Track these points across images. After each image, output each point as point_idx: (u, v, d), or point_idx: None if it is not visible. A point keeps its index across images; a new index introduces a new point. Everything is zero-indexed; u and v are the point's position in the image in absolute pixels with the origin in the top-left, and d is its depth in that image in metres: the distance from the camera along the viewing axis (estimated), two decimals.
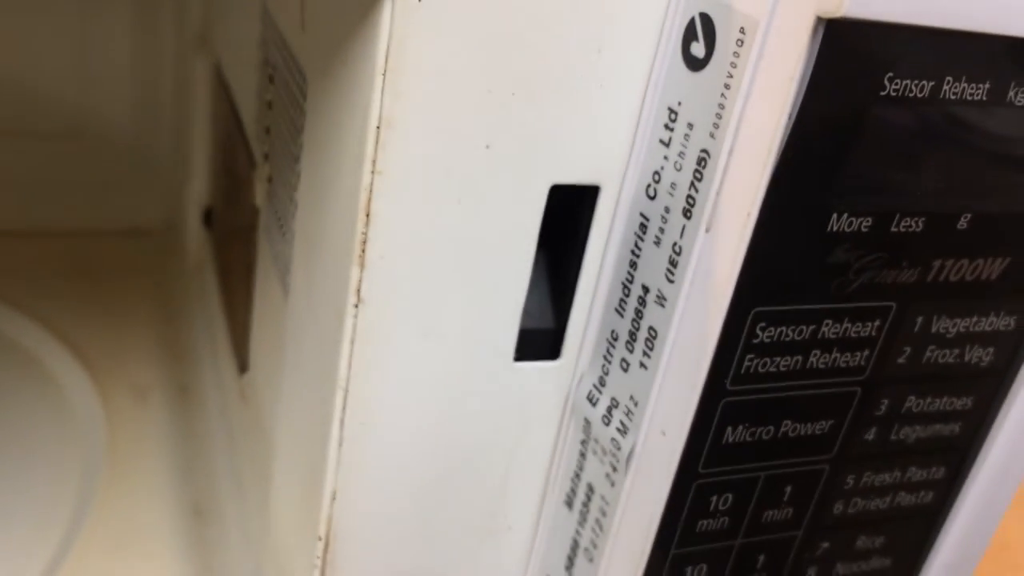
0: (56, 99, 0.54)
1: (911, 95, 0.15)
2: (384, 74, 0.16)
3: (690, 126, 0.16)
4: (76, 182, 0.55)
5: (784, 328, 0.17)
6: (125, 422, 0.42)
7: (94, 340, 0.47)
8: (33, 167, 0.54)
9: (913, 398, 0.19)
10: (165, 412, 0.44)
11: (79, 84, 0.54)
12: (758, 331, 0.17)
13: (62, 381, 0.45)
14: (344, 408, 0.19)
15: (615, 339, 0.19)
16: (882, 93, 0.15)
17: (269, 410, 0.29)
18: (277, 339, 0.28)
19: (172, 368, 0.47)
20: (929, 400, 0.19)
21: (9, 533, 0.36)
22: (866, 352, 0.18)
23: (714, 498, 0.18)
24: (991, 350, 0.19)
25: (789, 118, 0.14)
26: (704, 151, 0.16)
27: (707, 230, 0.16)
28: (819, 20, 0.14)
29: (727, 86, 0.15)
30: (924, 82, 0.15)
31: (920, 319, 0.18)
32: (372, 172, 0.16)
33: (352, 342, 0.18)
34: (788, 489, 0.19)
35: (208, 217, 0.46)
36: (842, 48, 0.14)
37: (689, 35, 0.16)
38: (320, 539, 0.20)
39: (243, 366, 0.35)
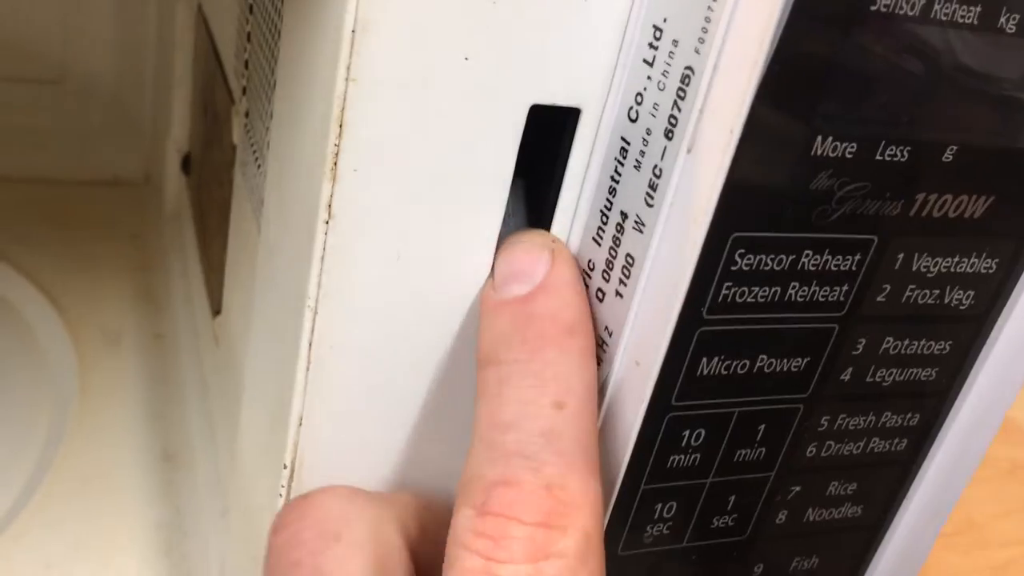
0: (37, 46, 0.53)
1: (901, 12, 0.14)
2: None
3: (675, 43, 0.16)
4: (55, 130, 0.55)
5: (763, 256, 0.16)
6: (97, 367, 0.42)
7: (68, 286, 0.46)
8: (11, 113, 0.53)
9: (891, 339, 0.19)
10: (137, 358, 0.43)
11: (61, 31, 0.53)
12: (737, 258, 0.16)
13: (34, 324, 0.44)
14: (313, 330, 0.18)
15: (591, 269, 0.18)
16: (872, 8, 0.14)
17: (241, 347, 0.29)
18: (250, 275, 0.27)
19: (146, 315, 0.46)
20: (907, 342, 0.19)
21: None
22: (845, 287, 0.18)
23: (687, 433, 0.18)
24: (971, 293, 0.19)
25: (775, 31, 0.14)
26: (688, 68, 0.15)
27: (688, 150, 0.16)
28: None
29: None
30: None
31: (901, 255, 0.18)
32: (346, 79, 0.16)
33: (322, 259, 0.17)
34: (761, 428, 0.19)
35: (186, 163, 0.45)
36: None
37: None
38: (286, 467, 0.20)
39: (217, 308, 0.34)
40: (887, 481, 0.22)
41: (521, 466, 0.16)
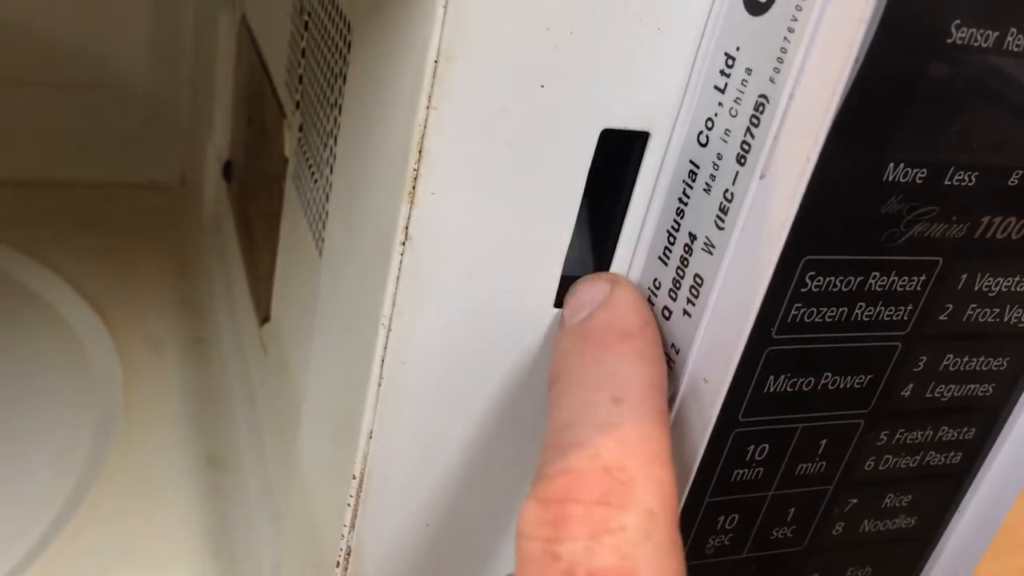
0: (73, 49, 0.54)
1: (976, 44, 0.15)
2: (446, 6, 0.16)
3: (748, 71, 0.16)
4: (92, 134, 0.55)
5: (833, 278, 0.17)
6: (140, 372, 0.43)
7: (110, 291, 0.47)
8: (49, 117, 0.54)
9: (951, 356, 0.19)
10: (180, 363, 0.44)
11: (97, 34, 0.54)
12: (807, 280, 0.17)
13: (79, 331, 0.45)
14: (386, 347, 0.19)
15: (657, 287, 0.19)
16: (948, 40, 0.15)
17: (296, 358, 0.29)
18: (306, 287, 0.28)
19: (187, 320, 0.47)
20: (966, 359, 0.19)
21: (26, 481, 0.36)
22: (909, 307, 0.18)
23: (751, 448, 0.19)
24: None
25: (855, 63, 0.14)
26: (762, 96, 0.16)
27: (762, 176, 0.16)
28: None
29: (791, 30, 0.15)
30: (989, 32, 0.15)
31: (964, 276, 0.18)
32: (427, 107, 0.16)
33: (398, 279, 0.18)
34: (823, 442, 0.19)
35: (227, 170, 0.46)
36: None
37: None
38: (355, 477, 0.20)
39: (265, 317, 0.35)
40: (941, 493, 0.22)
41: (579, 455, 0.16)
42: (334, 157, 0.24)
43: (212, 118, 0.47)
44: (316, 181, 0.27)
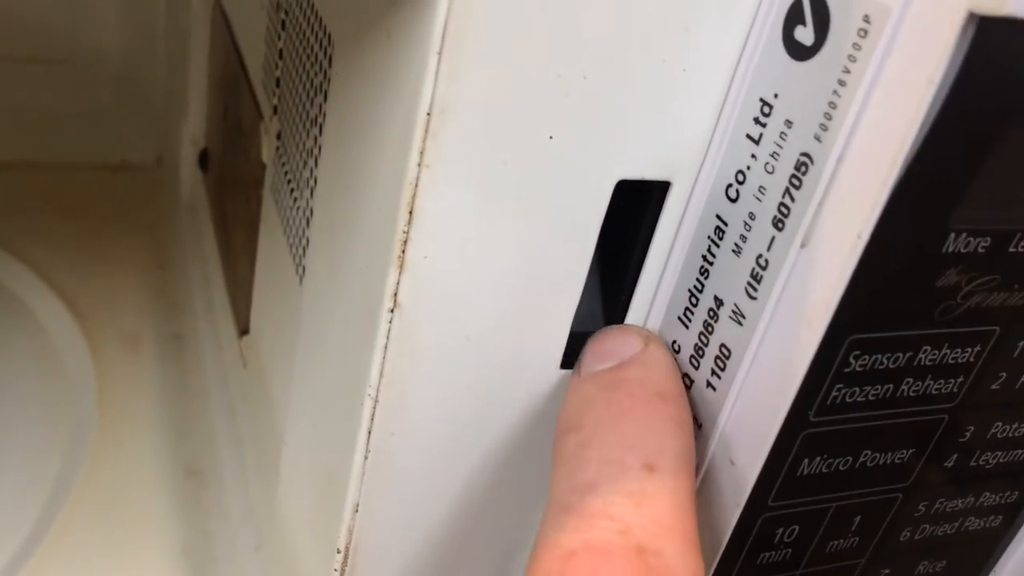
0: (41, 22, 0.51)
1: None
2: (440, 53, 0.13)
3: (788, 123, 0.14)
4: (62, 111, 0.52)
5: (880, 356, 0.15)
6: (115, 374, 0.40)
7: (82, 282, 0.45)
8: (15, 94, 0.51)
9: (1000, 424, 0.17)
10: (157, 363, 0.42)
11: (66, 7, 0.51)
12: (851, 359, 0.15)
13: (49, 327, 0.43)
14: (373, 418, 0.17)
15: (676, 350, 0.17)
16: None
17: (276, 382, 0.27)
18: (285, 309, 0.26)
19: (164, 314, 0.44)
20: (1016, 426, 0.18)
21: None
22: (960, 379, 0.16)
23: (780, 530, 0.17)
24: None
25: (920, 129, 0.12)
26: (805, 155, 0.14)
27: (803, 245, 0.14)
28: (971, 16, 0.12)
29: (842, 82, 0.13)
30: None
31: (1022, 343, 0.16)
32: (419, 165, 0.14)
33: (385, 348, 0.16)
34: (857, 519, 0.18)
35: (203, 159, 0.43)
36: (992, 50, 0.12)
37: (794, 17, 0.14)
38: (339, 552, 0.18)
39: (244, 328, 0.33)
40: (977, 556, 0.20)
41: (606, 528, 0.14)
42: (315, 180, 0.22)
43: (187, 101, 0.44)
44: (296, 200, 0.24)
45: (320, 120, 0.21)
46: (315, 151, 0.22)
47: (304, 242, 0.23)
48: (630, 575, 0.14)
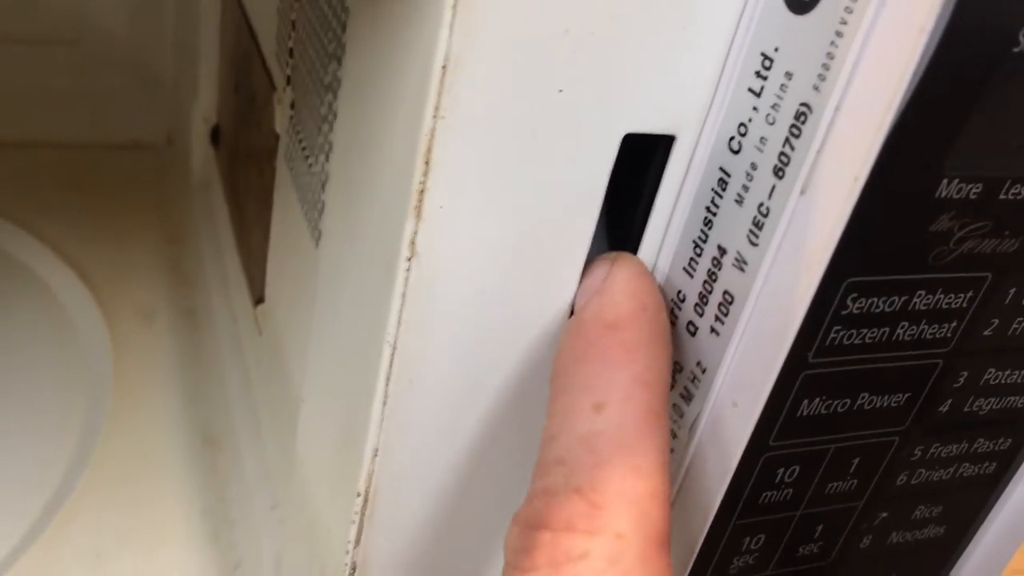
0: (52, 4, 0.52)
1: None
2: (454, 7, 0.14)
3: (788, 75, 0.15)
4: (73, 92, 0.53)
5: (876, 299, 0.16)
6: (131, 347, 0.41)
7: (96, 258, 0.46)
8: (27, 74, 0.52)
9: (993, 370, 0.18)
10: (172, 336, 0.42)
11: None
12: (849, 302, 0.15)
13: (65, 300, 0.43)
14: (391, 365, 0.17)
15: (681, 300, 0.18)
16: (1015, 49, 0.13)
17: (292, 347, 0.28)
18: (300, 275, 0.26)
19: (178, 289, 0.45)
20: (1008, 372, 0.18)
21: (16, 464, 0.35)
22: (954, 324, 0.17)
23: (781, 470, 0.18)
24: None
25: (914, 75, 0.13)
26: (804, 105, 0.14)
27: (802, 192, 0.15)
28: None
29: (839, 34, 0.14)
30: None
31: (1013, 291, 0.17)
32: (434, 117, 0.15)
33: (403, 296, 0.17)
34: (856, 461, 0.18)
35: (215, 135, 0.44)
36: (982, 0, 0.13)
37: None
38: (359, 495, 0.19)
39: (259, 297, 0.33)
40: (972, 502, 0.21)
41: (556, 473, 0.16)
42: (330, 145, 0.23)
43: (197, 79, 0.45)
44: (311, 166, 0.25)
45: (335, 86, 0.22)
46: (330, 117, 0.23)
47: (320, 206, 0.24)
48: (566, 512, 0.15)
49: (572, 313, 0.18)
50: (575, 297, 0.18)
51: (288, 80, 0.28)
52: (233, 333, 0.39)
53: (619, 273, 0.17)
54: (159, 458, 0.37)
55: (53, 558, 0.32)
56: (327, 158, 0.23)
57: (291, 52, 0.27)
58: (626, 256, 0.18)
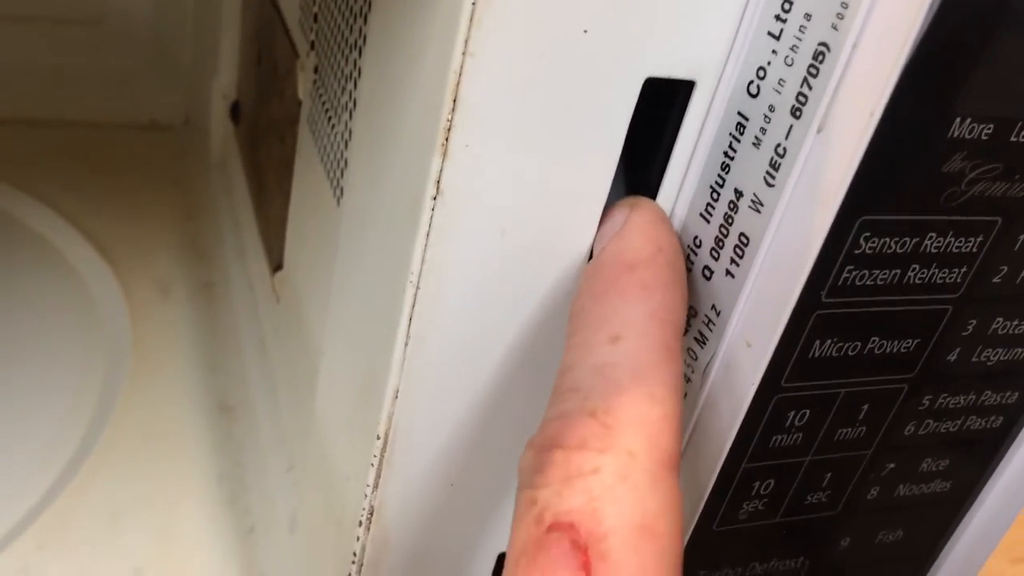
0: None
1: None
2: None
3: (807, 17, 0.15)
4: (93, 71, 0.54)
5: (888, 239, 0.16)
6: (149, 318, 0.42)
7: (115, 233, 0.46)
8: (48, 54, 0.53)
9: (1001, 319, 0.19)
10: (189, 308, 0.43)
11: None
12: (862, 241, 0.16)
13: (84, 273, 0.44)
14: (414, 305, 0.18)
15: (698, 245, 0.18)
16: None
17: (311, 308, 0.28)
18: (321, 236, 0.27)
19: (195, 264, 0.46)
20: (1016, 323, 0.19)
21: (37, 425, 0.36)
22: (964, 268, 0.17)
23: (792, 413, 0.18)
24: None
25: (928, 11, 0.13)
26: (823, 44, 0.15)
27: (819, 131, 0.15)
28: None
29: None
30: None
31: (1022, 237, 0.17)
32: (464, 53, 0.15)
33: (427, 235, 0.17)
34: (865, 408, 0.19)
35: (235, 111, 0.44)
36: None
37: None
38: (379, 438, 0.20)
39: (277, 264, 0.34)
40: (978, 457, 0.21)
41: (571, 399, 0.16)
42: (354, 102, 0.23)
43: (218, 56, 0.45)
44: (334, 127, 0.25)
45: (360, 44, 0.23)
46: (354, 74, 0.23)
47: (342, 164, 0.24)
48: (580, 433, 0.16)
49: (591, 257, 0.18)
50: (594, 240, 0.18)
51: (312, 46, 0.28)
52: (250, 303, 0.39)
53: (638, 217, 0.18)
54: (176, 425, 0.37)
55: (71, 518, 0.33)
56: (351, 116, 0.23)
57: (315, 17, 0.28)
58: (645, 201, 0.18)
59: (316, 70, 0.28)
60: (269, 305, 0.36)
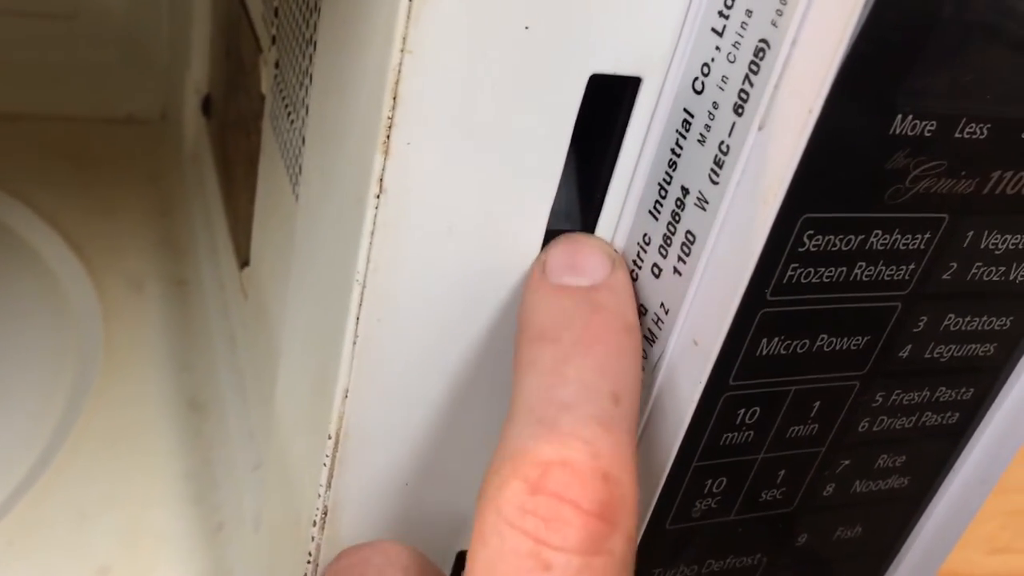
0: None
1: None
2: None
3: (748, 13, 0.15)
4: (69, 66, 0.53)
5: (832, 237, 0.16)
6: (121, 314, 0.42)
7: (88, 229, 0.46)
8: (23, 49, 0.52)
9: (952, 316, 0.18)
10: (161, 305, 0.43)
11: None
12: (805, 239, 0.16)
13: (56, 269, 0.44)
14: (361, 304, 0.18)
15: (647, 243, 0.18)
16: None
17: (274, 306, 0.28)
18: (283, 232, 0.27)
19: (168, 260, 0.46)
20: (968, 318, 0.19)
21: (4, 423, 0.35)
22: (912, 265, 0.17)
23: (741, 411, 0.18)
24: None
25: (864, 7, 0.13)
26: (763, 41, 0.15)
27: (760, 128, 0.15)
28: None
29: None
30: None
31: (971, 233, 0.17)
32: (402, 50, 0.15)
33: (372, 234, 0.17)
34: (816, 405, 0.19)
35: (206, 105, 0.44)
36: None
37: None
38: (330, 437, 0.19)
39: (244, 260, 0.34)
40: (936, 453, 0.21)
41: (580, 450, 0.15)
42: (310, 98, 0.23)
43: (190, 50, 0.45)
44: (293, 122, 0.25)
45: (314, 38, 0.22)
46: (309, 69, 0.23)
47: (300, 160, 0.24)
48: (597, 497, 0.15)
49: (542, 270, 0.18)
50: (558, 258, 0.18)
51: (273, 40, 0.28)
52: (220, 300, 0.39)
53: (625, 277, 0.18)
54: (146, 422, 0.37)
55: (38, 516, 0.33)
56: (307, 111, 0.23)
57: (276, 11, 0.27)
58: (623, 262, 0.18)
59: (277, 65, 0.28)
60: (238, 302, 0.36)
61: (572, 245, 0.18)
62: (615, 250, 0.18)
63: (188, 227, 0.46)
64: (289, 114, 0.26)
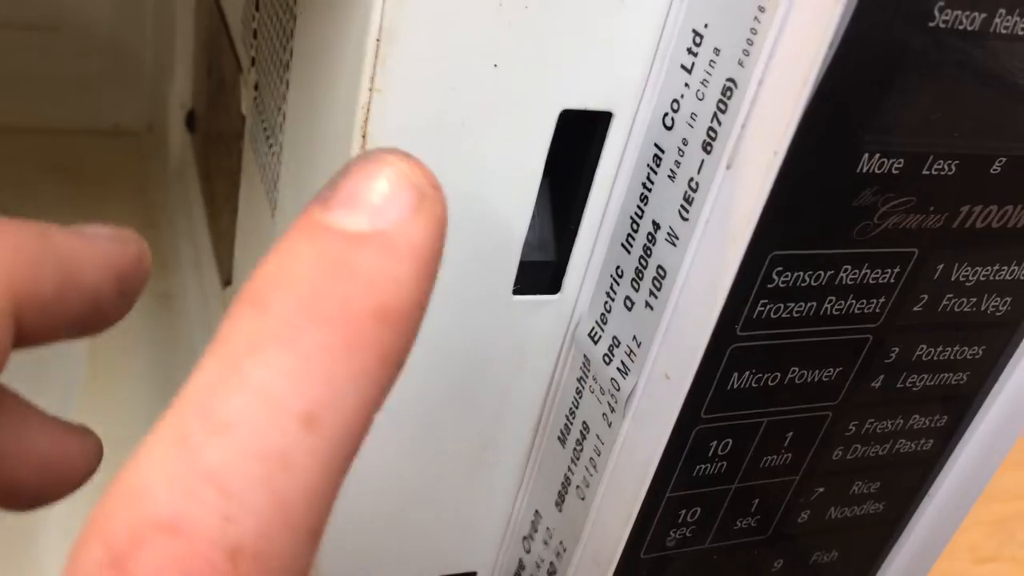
0: None
1: (960, 27, 0.14)
2: None
3: (716, 51, 0.15)
4: (52, 77, 0.53)
5: (801, 273, 0.16)
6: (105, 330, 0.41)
7: None
8: (7, 60, 0.52)
9: (924, 346, 0.18)
10: (146, 319, 0.43)
11: None
12: (774, 276, 0.16)
13: None
14: None
15: (620, 276, 0.18)
16: (930, 24, 0.14)
17: None
18: (261, 252, 0.27)
19: (154, 275, 0.45)
20: (940, 349, 0.19)
21: None
22: (882, 299, 0.17)
23: (714, 443, 0.18)
24: (1008, 300, 0.18)
25: (829, 48, 0.13)
26: (730, 80, 0.15)
27: (728, 167, 0.15)
28: None
29: (761, 8, 0.14)
30: (975, 14, 0.14)
31: (941, 266, 0.17)
32: (370, 90, 0.15)
33: None
34: (789, 435, 0.19)
35: (191, 120, 0.44)
36: None
37: None
38: None
39: (227, 279, 0.34)
40: (911, 479, 0.21)
41: (208, 504, 0.10)
42: (285, 123, 0.23)
43: (174, 64, 0.45)
44: (271, 145, 0.25)
45: (290, 62, 0.22)
46: (285, 93, 0.23)
47: (278, 182, 0.24)
48: None
49: (320, 196, 0.12)
50: (348, 180, 0.12)
51: (252, 62, 0.28)
52: (204, 317, 0.39)
53: (422, 236, 0.12)
54: (129, 437, 0.37)
55: (22, 532, 0.32)
56: (283, 134, 0.23)
57: (255, 33, 0.27)
58: (436, 205, 0.12)
59: (256, 86, 0.27)
60: (222, 318, 0.36)
61: (370, 163, 0.12)
62: (435, 184, 0.12)
63: (173, 240, 0.46)
64: (267, 137, 0.26)
